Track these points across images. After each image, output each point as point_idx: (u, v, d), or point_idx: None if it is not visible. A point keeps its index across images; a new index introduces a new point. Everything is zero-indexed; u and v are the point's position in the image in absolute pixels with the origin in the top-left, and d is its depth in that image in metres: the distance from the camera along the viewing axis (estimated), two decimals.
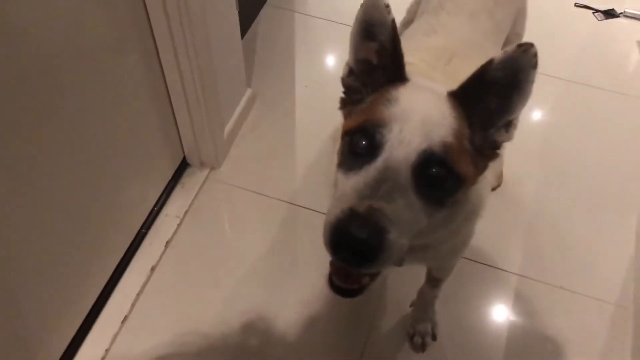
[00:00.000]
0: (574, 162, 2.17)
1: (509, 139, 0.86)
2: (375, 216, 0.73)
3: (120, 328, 1.64)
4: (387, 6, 0.82)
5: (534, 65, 0.77)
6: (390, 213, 0.74)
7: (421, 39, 1.30)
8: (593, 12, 2.76)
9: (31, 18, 1.12)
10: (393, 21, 0.83)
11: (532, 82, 0.79)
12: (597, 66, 2.55)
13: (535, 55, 0.76)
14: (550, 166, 2.15)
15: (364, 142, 0.81)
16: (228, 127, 2.04)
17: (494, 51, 1.36)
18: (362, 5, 0.84)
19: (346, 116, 0.95)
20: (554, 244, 1.92)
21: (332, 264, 0.88)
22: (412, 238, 0.80)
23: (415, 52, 1.20)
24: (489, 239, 1.89)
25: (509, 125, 0.86)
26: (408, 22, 1.60)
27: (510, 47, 0.77)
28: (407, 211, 0.77)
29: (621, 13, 2.74)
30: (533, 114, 2.35)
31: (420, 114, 0.80)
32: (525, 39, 1.64)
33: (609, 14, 2.74)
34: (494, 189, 2.01)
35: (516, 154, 2.10)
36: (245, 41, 2.45)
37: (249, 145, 2.13)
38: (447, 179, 0.80)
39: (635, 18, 2.73)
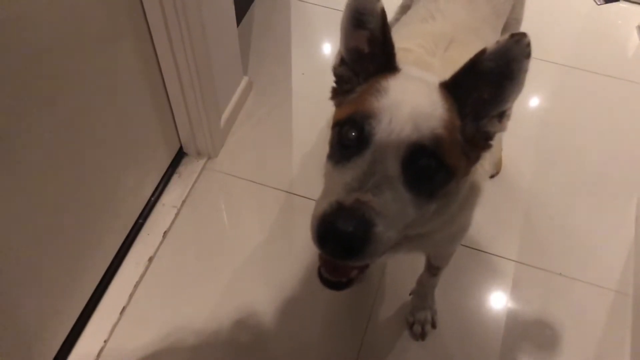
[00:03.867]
0: (572, 148, 2.16)
1: (502, 129, 0.85)
2: (362, 209, 0.73)
3: (118, 319, 1.64)
4: None
5: (527, 55, 0.76)
6: (378, 206, 0.74)
7: (419, 24, 1.29)
8: None
9: (27, 8, 1.10)
10: (382, 10, 0.82)
11: (526, 71, 0.78)
12: (596, 51, 2.53)
13: (528, 45, 0.75)
14: (549, 152, 2.14)
15: (353, 134, 0.80)
16: (224, 116, 2.02)
17: (493, 37, 1.34)
18: None
19: (337, 106, 0.94)
20: (553, 231, 1.92)
21: (321, 257, 0.87)
22: (403, 230, 0.80)
23: (412, 38, 1.19)
24: (488, 226, 1.89)
25: (502, 116, 0.84)
26: (405, 7, 1.58)
27: (503, 37, 0.75)
28: (395, 204, 0.76)
29: None
30: (531, 100, 2.33)
31: (410, 105, 0.79)
32: (525, 23, 1.63)
33: None
34: (492, 177, 2.01)
35: (515, 141, 2.09)
36: (240, 28, 2.43)
37: (245, 134, 2.11)
38: (437, 172, 0.79)
39: (634, 2, 2.70)
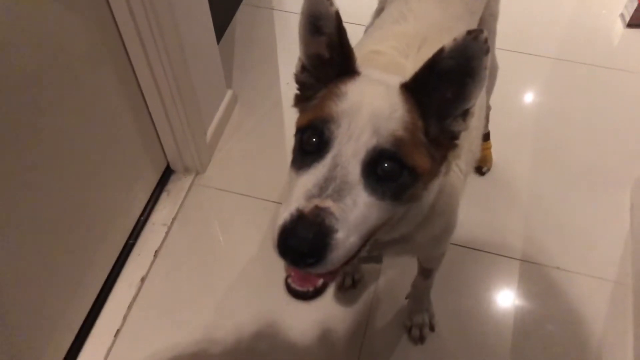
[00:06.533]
0: (564, 140, 2.14)
1: (466, 128, 0.84)
2: (322, 216, 0.71)
3: (113, 342, 1.63)
4: None
5: (486, 51, 0.74)
6: (338, 212, 0.72)
7: (391, 26, 1.27)
8: None
9: (11, 38, 1.13)
10: (337, 13, 0.80)
11: (486, 68, 0.76)
12: (582, 42, 2.52)
13: (485, 41, 0.73)
14: (542, 146, 2.12)
15: (314, 139, 0.79)
16: (210, 131, 2.02)
17: None
18: None
19: (300, 113, 0.93)
20: (549, 225, 1.90)
21: (287, 267, 0.85)
22: (368, 235, 0.78)
23: (385, 40, 1.17)
24: (482, 223, 1.88)
25: (466, 114, 0.83)
26: (380, 11, 1.57)
27: (460, 35, 0.74)
28: (356, 209, 0.74)
29: None
30: (522, 94, 2.32)
31: (369, 108, 0.78)
32: (510, 21, 1.61)
33: None
34: (483, 173, 2.00)
35: (507, 136, 2.09)
36: (223, 42, 2.43)
37: (233, 147, 2.10)
38: (399, 174, 0.78)
39: None
